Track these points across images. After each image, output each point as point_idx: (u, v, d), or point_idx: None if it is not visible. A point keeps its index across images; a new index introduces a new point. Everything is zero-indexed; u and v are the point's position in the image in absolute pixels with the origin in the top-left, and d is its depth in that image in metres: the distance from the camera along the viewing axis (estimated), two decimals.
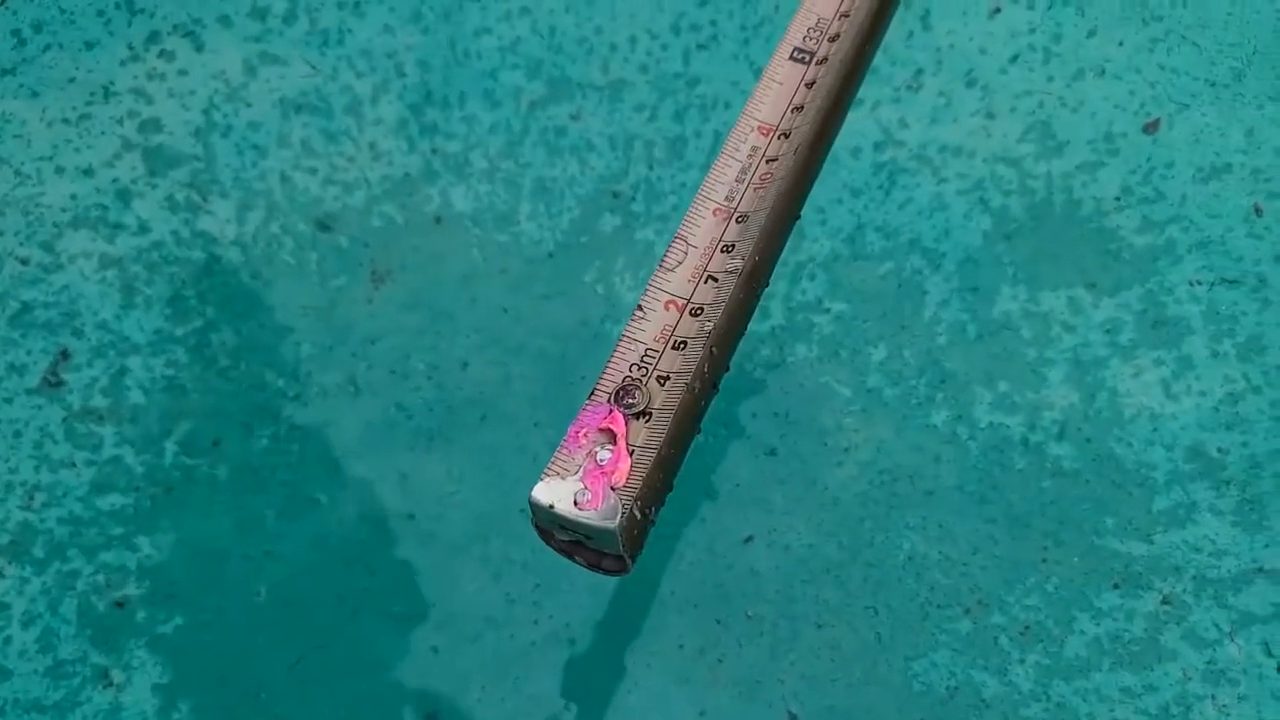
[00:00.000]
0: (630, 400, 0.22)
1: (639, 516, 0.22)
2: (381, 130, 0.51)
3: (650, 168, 0.51)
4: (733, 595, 0.43)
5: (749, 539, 0.44)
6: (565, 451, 0.22)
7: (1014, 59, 0.52)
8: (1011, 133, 0.51)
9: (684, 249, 0.24)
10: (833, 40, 0.26)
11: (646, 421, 0.22)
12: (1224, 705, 0.41)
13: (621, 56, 0.52)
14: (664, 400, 0.22)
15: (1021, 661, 0.42)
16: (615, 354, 0.23)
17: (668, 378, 0.23)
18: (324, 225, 0.49)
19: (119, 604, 0.42)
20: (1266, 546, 0.43)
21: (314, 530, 0.43)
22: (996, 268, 0.49)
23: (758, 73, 0.53)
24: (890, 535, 0.44)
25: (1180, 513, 0.44)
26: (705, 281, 0.24)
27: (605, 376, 0.23)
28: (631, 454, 0.22)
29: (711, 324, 0.23)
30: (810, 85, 0.26)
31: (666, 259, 0.24)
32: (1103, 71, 0.52)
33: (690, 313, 0.24)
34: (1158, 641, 0.42)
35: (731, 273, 0.24)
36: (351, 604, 0.43)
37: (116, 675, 0.41)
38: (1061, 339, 0.47)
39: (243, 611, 0.42)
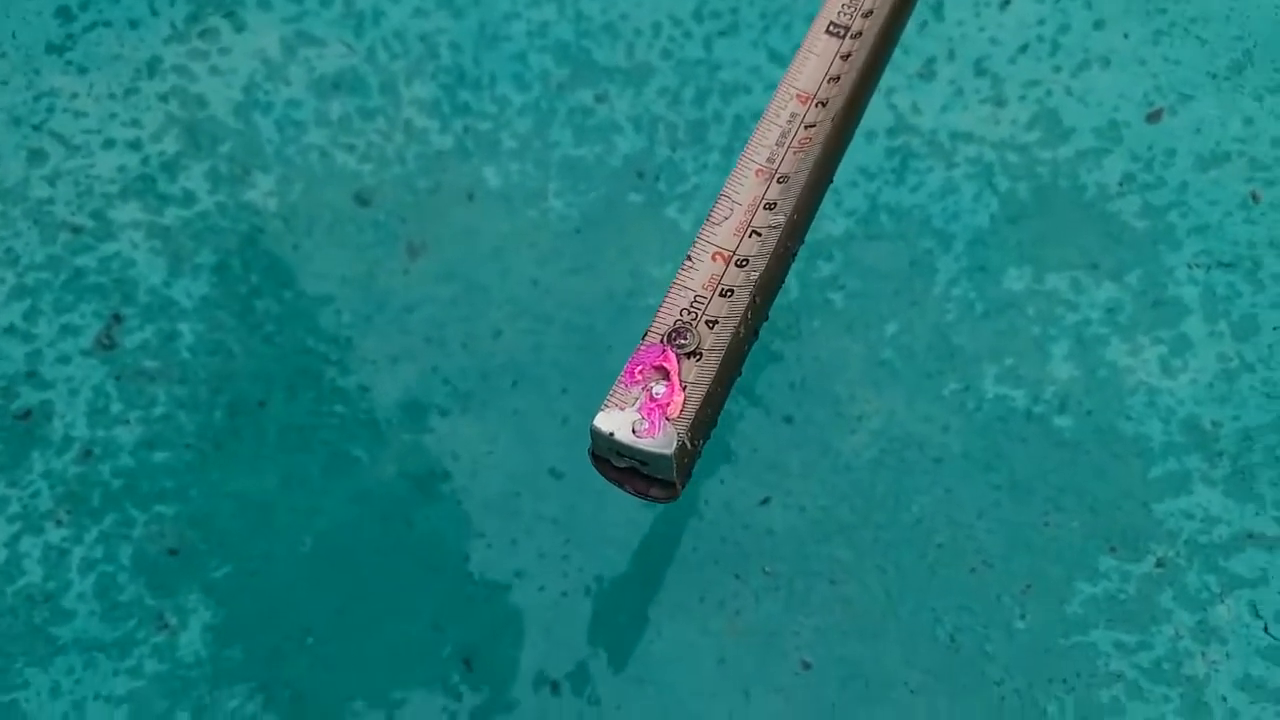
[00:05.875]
0: (682, 341, 0.25)
1: (689, 446, 0.24)
2: (416, 109, 0.53)
3: (673, 149, 0.53)
4: (750, 553, 0.45)
5: (766, 500, 0.46)
6: (623, 385, 0.24)
7: (1023, 49, 0.54)
8: (1020, 120, 0.53)
9: (729, 206, 0.27)
10: (866, 16, 0.28)
11: (697, 360, 0.24)
12: (1213, 661, 0.43)
13: (645, 42, 0.54)
14: (713, 342, 0.25)
15: (1022, 617, 0.44)
16: (667, 299, 0.25)
17: (716, 322, 0.25)
18: (362, 200, 0.51)
19: (172, 552, 0.44)
20: (1256, 515, 0.46)
21: (356, 486, 0.46)
22: (1003, 249, 0.51)
23: (777, 59, 0.55)
24: (900, 499, 0.46)
25: (1175, 482, 0.46)
26: (750, 235, 0.26)
27: (658, 319, 0.25)
28: (684, 389, 0.24)
29: (756, 274, 0.25)
30: (845, 58, 0.28)
31: (713, 214, 0.26)
32: (1108, 63, 0.54)
33: (736, 264, 0.26)
34: (1152, 601, 0.44)
35: (774, 228, 0.26)
36: (392, 555, 0.45)
37: (171, 618, 0.43)
38: (1065, 317, 0.49)
39: (289, 561, 0.44)
